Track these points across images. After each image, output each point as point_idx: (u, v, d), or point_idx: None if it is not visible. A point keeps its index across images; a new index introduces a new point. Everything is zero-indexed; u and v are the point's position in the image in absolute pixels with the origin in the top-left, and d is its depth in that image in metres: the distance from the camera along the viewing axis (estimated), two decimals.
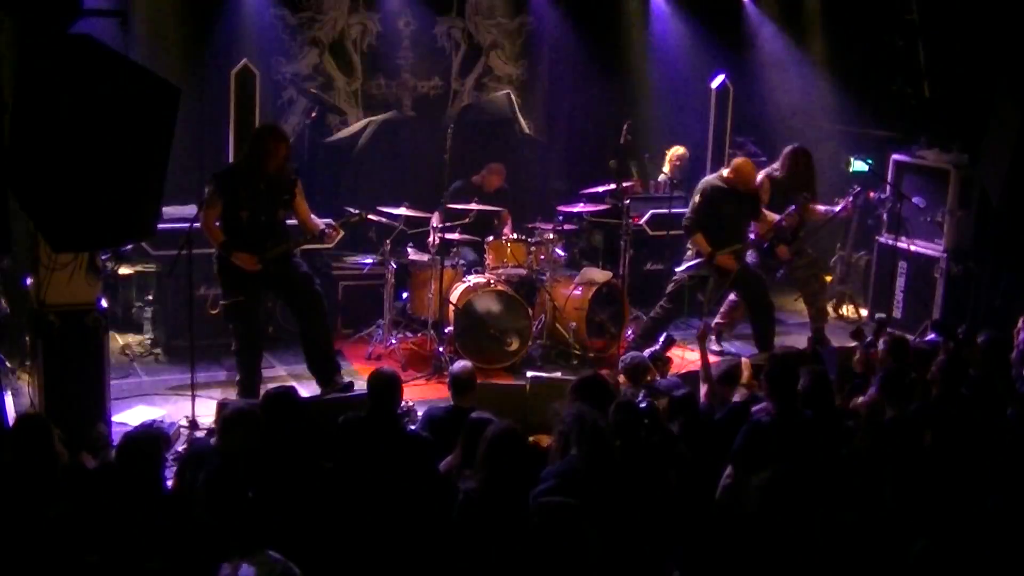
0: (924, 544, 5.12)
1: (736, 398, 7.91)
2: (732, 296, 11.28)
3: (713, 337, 11.46)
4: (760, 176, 10.85)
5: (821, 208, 11.19)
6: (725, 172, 10.63)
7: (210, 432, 7.94)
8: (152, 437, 6.38)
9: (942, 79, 12.43)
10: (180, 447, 8.15)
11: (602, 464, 6.27)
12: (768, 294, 10.81)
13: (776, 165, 11.15)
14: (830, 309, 12.55)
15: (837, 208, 11.13)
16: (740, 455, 6.80)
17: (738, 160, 10.71)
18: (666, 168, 12.41)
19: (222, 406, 6.92)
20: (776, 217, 10.70)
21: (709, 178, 10.86)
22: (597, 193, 11.92)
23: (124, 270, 10.90)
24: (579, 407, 6.63)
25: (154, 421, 8.07)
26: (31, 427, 6.41)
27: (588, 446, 6.28)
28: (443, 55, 13.15)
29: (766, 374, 7.29)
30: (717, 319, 11.51)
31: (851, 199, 11.20)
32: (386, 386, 7.13)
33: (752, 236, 10.79)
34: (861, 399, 7.86)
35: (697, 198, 10.59)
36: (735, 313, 11.45)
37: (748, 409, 7.56)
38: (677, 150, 12.64)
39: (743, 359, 8.78)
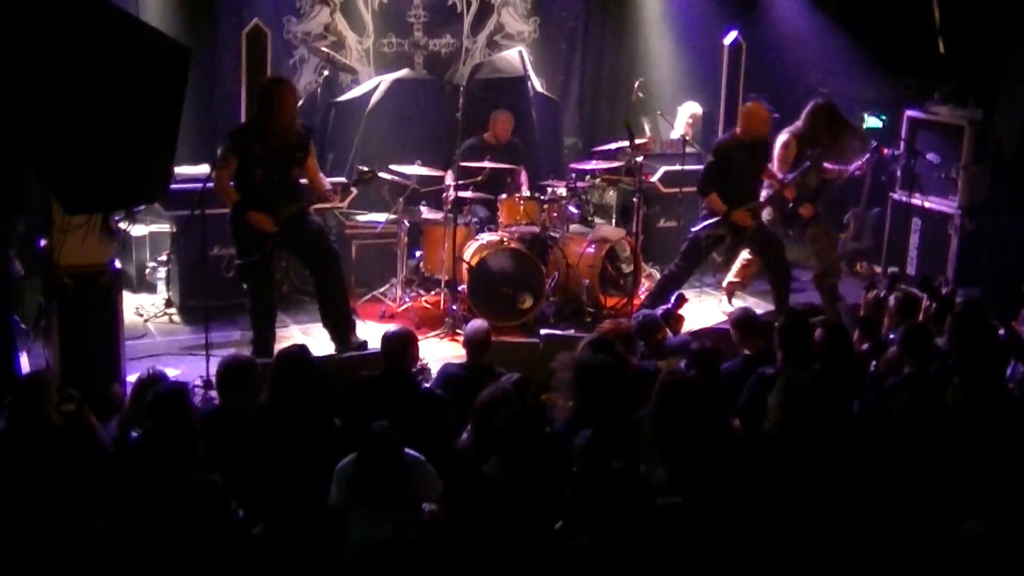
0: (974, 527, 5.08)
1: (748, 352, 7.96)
2: (746, 255, 11.24)
3: (725, 297, 11.46)
4: (786, 136, 10.74)
5: (834, 167, 11.10)
6: (737, 130, 10.58)
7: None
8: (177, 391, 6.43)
9: (956, 34, 12.35)
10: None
11: (605, 413, 6.32)
12: (784, 254, 10.78)
13: (799, 123, 10.97)
14: (843, 266, 12.54)
15: (851, 167, 11.01)
16: (746, 409, 6.85)
17: (750, 104, 10.63)
18: (680, 127, 12.35)
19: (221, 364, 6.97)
20: (781, 175, 10.62)
21: (721, 138, 10.83)
22: (610, 151, 11.91)
23: (137, 231, 10.93)
24: (583, 356, 6.68)
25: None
26: (24, 389, 6.48)
27: (587, 396, 6.33)
28: (454, 13, 13.10)
29: (779, 328, 7.35)
30: (729, 278, 11.48)
31: (867, 158, 11.05)
32: (400, 344, 7.19)
33: (766, 192, 10.74)
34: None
35: (710, 158, 10.55)
36: (747, 272, 11.41)
37: (759, 362, 7.60)
38: (692, 108, 12.59)
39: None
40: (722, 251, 11.10)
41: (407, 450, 5.99)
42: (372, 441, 5.86)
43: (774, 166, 10.64)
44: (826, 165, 10.85)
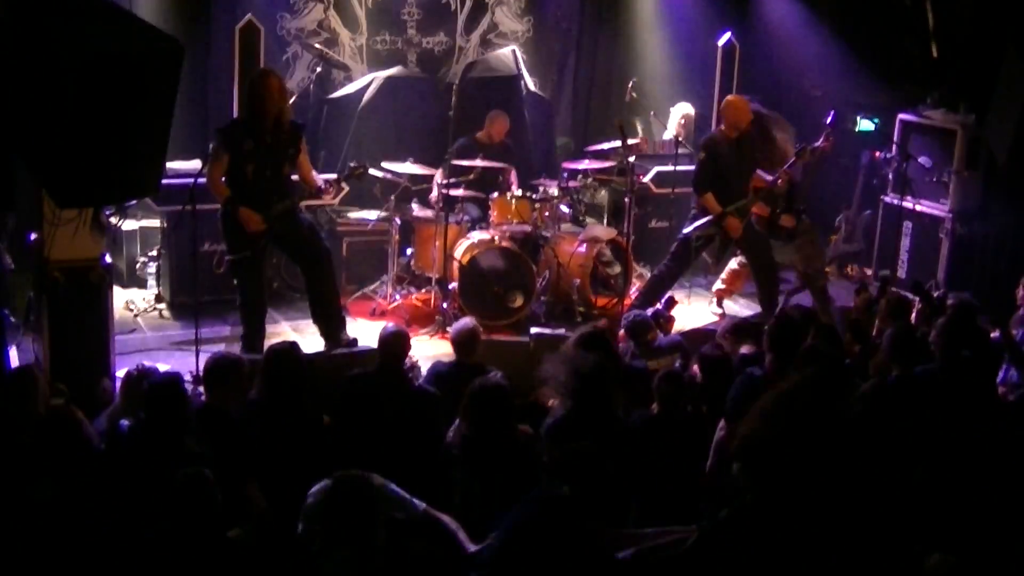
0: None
1: (744, 350, 7.98)
2: (734, 265, 11.26)
3: (714, 301, 11.46)
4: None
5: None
6: (722, 126, 10.60)
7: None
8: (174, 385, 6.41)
9: (949, 39, 12.36)
10: None
11: (598, 414, 6.31)
12: (772, 255, 10.80)
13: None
14: (834, 268, 12.57)
15: (818, 143, 10.89)
16: (733, 409, 6.87)
17: (729, 97, 10.68)
18: (672, 127, 12.37)
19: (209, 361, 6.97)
20: (769, 178, 10.63)
21: (708, 134, 10.85)
22: (602, 151, 11.90)
23: (128, 226, 10.91)
24: (575, 355, 6.67)
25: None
26: (12, 383, 6.48)
27: (581, 397, 6.32)
28: (448, 11, 13.09)
29: (768, 330, 7.36)
30: (718, 285, 11.49)
31: (828, 128, 10.80)
32: (396, 342, 7.21)
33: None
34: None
35: (702, 154, 10.56)
36: (736, 282, 11.40)
37: (754, 362, 7.62)
38: (684, 108, 12.59)
39: None
40: (712, 252, 11.11)
41: (375, 480, 5.62)
42: (342, 488, 5.45)
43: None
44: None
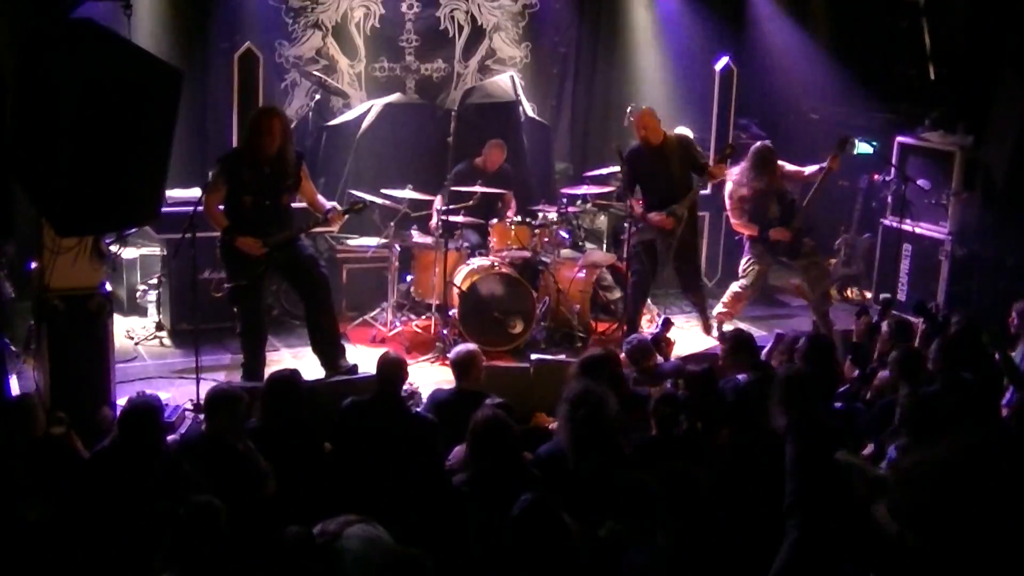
0: None
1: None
2: (736, 288, 11.22)
3: (715, 325, 11.42)
4: (745, 190, 10.84)
5: (792, 168, 11.22)
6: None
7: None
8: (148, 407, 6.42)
9: (947, 60, 12.39)
10: (183, 430, 8.15)
11: (593, 444, 6.28)
12: (695, 263, 11.32)
13: (751, 175, 11.01)
14: (834, 292, 12.57)
15: (822, 165, 10.95)
16: (731, 414, 7.07)
17: (638, 112, 10.88)
18: None
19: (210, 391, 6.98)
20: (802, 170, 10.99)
21: (630, 145, 11.04)
22: (601, 176, 11.91)
23: (128, 254, 10.92)
24: (585, 384, 6.65)
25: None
26: (11, 412, 6.49)
27: (580, 426, 6.30)
28: (446, 38, 13.12)
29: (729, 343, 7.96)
30: (719, 309, 11.46)
31: (834, 153, 10.87)
32: (393, 369, 7.18)
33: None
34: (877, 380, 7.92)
35: (622, 166, 10.73)
36: (737, 305, 11.37)
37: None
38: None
39: None
40: (658, 255, 11.07)
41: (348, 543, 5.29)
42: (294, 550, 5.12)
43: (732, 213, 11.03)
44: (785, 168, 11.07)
